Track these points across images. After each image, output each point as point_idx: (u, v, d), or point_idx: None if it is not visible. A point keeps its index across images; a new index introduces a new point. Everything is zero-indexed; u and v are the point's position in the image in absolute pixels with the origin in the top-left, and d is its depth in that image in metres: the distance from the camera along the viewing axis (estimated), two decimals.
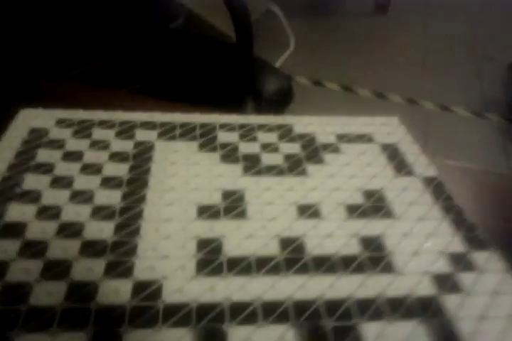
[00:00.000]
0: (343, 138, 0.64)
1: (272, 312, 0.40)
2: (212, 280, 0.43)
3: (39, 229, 0.46)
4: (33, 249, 0.44)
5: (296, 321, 0.39)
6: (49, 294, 0.40)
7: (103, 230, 0.47)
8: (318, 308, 0.40)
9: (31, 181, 0.52)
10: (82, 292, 0.41)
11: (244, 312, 0.40)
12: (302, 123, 0.66)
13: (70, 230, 0.46)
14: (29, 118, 0.63)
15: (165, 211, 0.49)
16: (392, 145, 0.63)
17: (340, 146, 0.62)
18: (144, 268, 0.43)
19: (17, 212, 0.48)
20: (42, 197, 0.50)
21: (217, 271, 0.43)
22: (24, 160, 0.56)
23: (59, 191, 0.51)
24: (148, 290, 0.42)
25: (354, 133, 0.65)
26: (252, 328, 0.38)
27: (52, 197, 0.50)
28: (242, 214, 0.50)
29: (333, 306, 0.41)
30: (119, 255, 0.45)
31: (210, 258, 0.45)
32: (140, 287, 0.42)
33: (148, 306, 0.40)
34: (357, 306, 0.41)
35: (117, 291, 0.41)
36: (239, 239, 0.47)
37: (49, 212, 0.48)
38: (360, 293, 0.42)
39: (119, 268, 0.44)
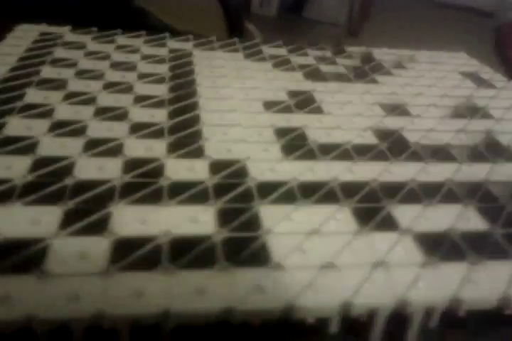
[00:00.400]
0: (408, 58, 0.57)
1: None
2: (305, 163, 0.34)
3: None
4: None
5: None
6: (99, 169, 0.30)
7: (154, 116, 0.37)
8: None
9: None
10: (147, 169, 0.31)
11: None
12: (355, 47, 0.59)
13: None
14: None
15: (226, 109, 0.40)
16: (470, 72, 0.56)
17: (407, 65, 0.55)
18: (217, 149, 0.34)
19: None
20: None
21: (307, 157, 0.34)
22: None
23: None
24: (230, 169, 0.32)
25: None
26: None
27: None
28: (318, 110, 0.42)
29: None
30: (181, 138, 0.35)
31: (296, 144, 0.36)
32: (219, 166, 0.32)
33: (237, 183, 0.30)
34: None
35: (191, 169, 0.32)
36: (325, 129, 0.38)
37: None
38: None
39: (186, 148, 0.34)
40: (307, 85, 0.46)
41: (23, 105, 0.37)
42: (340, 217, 0.28)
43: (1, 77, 0.42)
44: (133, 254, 0.24)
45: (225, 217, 0.27)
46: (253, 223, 0.27)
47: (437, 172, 0.34)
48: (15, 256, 0.23)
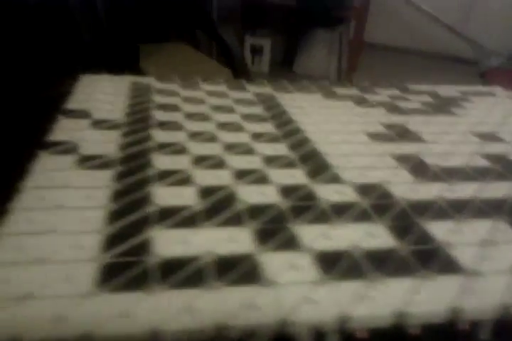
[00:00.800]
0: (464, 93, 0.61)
1: None
2: (439, 184, 0.36)
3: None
4: None
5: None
6: None
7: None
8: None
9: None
10: None
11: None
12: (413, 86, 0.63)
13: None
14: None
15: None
16: None
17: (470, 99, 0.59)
18: (354, 175, 0.36)
19: None
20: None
21: (435, 178, 0.37)
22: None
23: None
24: (376, 193, 0.34)
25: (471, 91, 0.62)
26: None
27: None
28: (420, 139, 0.45)
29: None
30: (314, 167, 0.38)
31: (420, 169, 0.38)
32: (364, 190, 0.34)
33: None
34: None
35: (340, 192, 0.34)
36: (440, 155, 0.41)
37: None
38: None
39: (322, 175, 0.36)
40: (396, 118, 0.50)
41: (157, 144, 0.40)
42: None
43: (121, 120, 0.44)
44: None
45: None
46: None
47: None
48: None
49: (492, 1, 2.40)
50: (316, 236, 0.29)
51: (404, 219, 0.31)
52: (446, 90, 0.61)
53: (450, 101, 0.57)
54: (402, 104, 0.55)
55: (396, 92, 0.59)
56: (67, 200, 0.30)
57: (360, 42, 2.73)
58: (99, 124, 0.42)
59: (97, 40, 1.01)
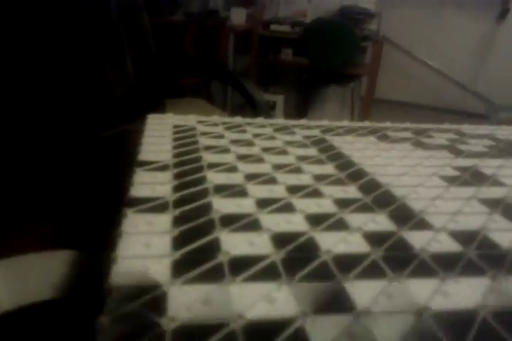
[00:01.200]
0: None
1: None
2: None
3: None
4: None
5: None
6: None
7: None
8: None
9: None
10: None
11: None
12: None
13: None
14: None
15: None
16: None
17: None
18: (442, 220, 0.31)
19: None
20: None
21: None
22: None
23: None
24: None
25: None
26: None
27: None
28: (498, 182, 0.40)
29: None
30: (393, 211, 0.33)
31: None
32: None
33: None
34: None
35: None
36: None
37: None
38: None
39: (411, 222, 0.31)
40: (464, 161, 0.45)
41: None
42: None
43: (170, 162, 0.40)
44: None
45: None
46: None
47: None
48: None
49: (501, 58, 2.44)
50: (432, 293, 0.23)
51: None
52: (508, 132, 0.57)
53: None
54: (462, 147, 0.50)
55: (453, 136, 0.55)
56: None
57: (371, 98, 2.76)
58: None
59: (126, 96, 1.00)
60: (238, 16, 2.44)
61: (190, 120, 0.53)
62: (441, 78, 2.57)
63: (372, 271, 0.25)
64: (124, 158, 0.38)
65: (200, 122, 0.53)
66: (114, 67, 0.97)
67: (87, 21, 0.84)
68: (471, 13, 2.44)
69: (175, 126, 0.50)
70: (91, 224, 0.29)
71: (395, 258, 0.27)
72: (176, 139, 0.46)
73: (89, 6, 0.84)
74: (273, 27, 2.47)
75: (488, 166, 0.44)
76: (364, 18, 2.47)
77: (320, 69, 2.44)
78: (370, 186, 0.38)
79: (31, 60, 0.69)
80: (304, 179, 0.38)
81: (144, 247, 0.25)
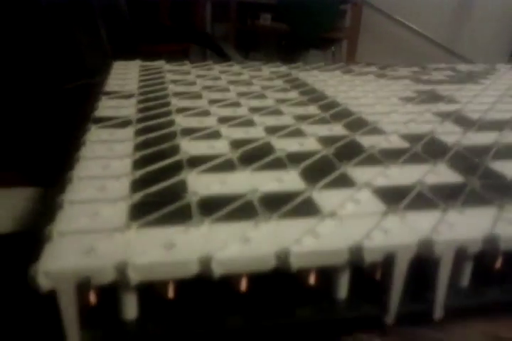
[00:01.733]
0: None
1: None
2: None
3: None
4: None
5: None
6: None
7: None
8: None
9: None
10: None
11: None
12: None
13: None
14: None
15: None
16: None
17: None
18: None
19: None
20: None
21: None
22: None
23: None
24: None
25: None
26: None
27: None
28: (452, 100, 0.42)
29: None
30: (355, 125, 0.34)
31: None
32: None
33: None
34: None
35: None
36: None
37: None
38: None
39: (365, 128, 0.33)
40: (423, 87, 0.47)
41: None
42: None
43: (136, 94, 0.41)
44: None
45: None
46: None
47: None
48: None
49: (481, 15, 2.44)
50: (373, 176, 0.25)
51: (465, 159, 0.28)
52: (466, 67, 0.59)
53: (474, 74, 0.55)
54: (426, 77, 0.52)
55: (416, 69, 0.57)
56: None
57: (352, 61, 2.75)
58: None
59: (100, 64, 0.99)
60: None
61: (158, 63, 0.54)
62: (421, 40, 2.56)
63: (323, 163, 0.27)
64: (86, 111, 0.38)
65: (168, 64, 0.54)
66: (87, 36, 0.97)
67: None
68: None
69: (141, 66, 0.51)
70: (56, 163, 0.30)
71: (345, 154, 0.28)
72: (142, 76, 0.47)
73: None
74: None
75: (446, 90, 0.46)
76: None
77: (300, 34, 2.43)
78: (330, 106, 0.39)
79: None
80: (267, 103, 0.40)
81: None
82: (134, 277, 0.17)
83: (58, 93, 0.59)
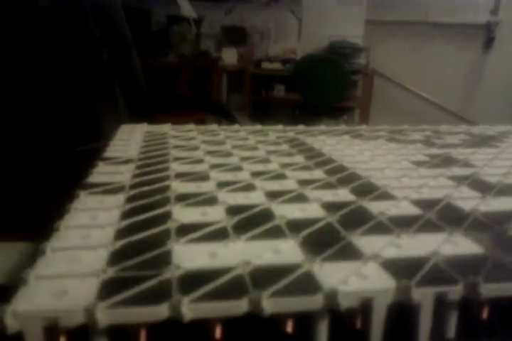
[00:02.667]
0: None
1: None
2: None
3: None
4: None
5: None
6: None
7: None
8: None
9: None
10: None
11: None
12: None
13: None
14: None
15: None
16: None
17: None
18: None
19: None
20: None
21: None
22: None
23: None
24: None
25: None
26: None
27: None
28: (467, 164, 0.40)
29: None
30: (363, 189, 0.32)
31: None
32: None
33: None
34: None
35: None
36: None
37: None
38: None
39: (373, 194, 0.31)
40: (436, 151, 0.45)
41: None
42: None
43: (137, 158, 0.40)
44: None
45: None
46: None
47: None
48: None
49: (492, 84, 2.47)
50: (381, 246, 0.22)
51: (485, 227, 0.25)
52: (482, 130, 0.57)
53: (489, 138, 0.53)
54: (439, 141, 0.50)
55: (428, 133, 0.55)
56: None
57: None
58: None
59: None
60: (230, 56, 2.51)
61: (163, 127, 0.53)
62: (432, 107, 2.60)
63: (326, 231, 0.24)
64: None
65: (173, 129, 0.53)
66: (104, 101, 0.99)
67: (78, 60, 0.87)
68: (457, 43, 2.49)
69: (147, 132, 0.51)
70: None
71: (351, 221, 0.26)
72: (145, 141, 0.46)
73: (81, 45, 0.88)
74: (264, 65, 2.52)
75: (461, 153, 0.44)
76: (353, 53, 2.53)
77: (313, 104, 2.47)
78: (336, 170, 0.37)
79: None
80: (271, 167, 0.38)
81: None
82: (102, 320, 0.16)
83: (66, 155, 0.59)
